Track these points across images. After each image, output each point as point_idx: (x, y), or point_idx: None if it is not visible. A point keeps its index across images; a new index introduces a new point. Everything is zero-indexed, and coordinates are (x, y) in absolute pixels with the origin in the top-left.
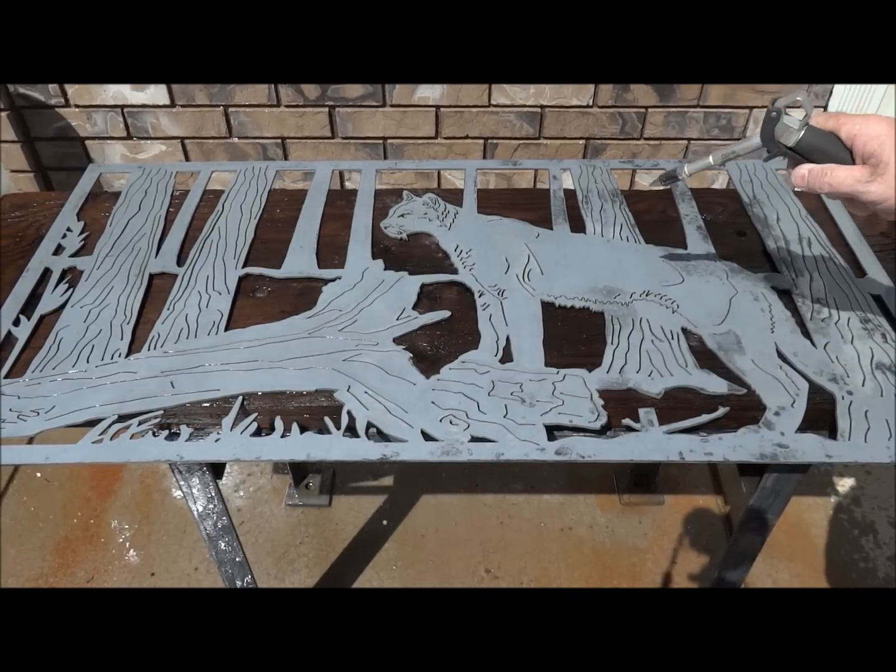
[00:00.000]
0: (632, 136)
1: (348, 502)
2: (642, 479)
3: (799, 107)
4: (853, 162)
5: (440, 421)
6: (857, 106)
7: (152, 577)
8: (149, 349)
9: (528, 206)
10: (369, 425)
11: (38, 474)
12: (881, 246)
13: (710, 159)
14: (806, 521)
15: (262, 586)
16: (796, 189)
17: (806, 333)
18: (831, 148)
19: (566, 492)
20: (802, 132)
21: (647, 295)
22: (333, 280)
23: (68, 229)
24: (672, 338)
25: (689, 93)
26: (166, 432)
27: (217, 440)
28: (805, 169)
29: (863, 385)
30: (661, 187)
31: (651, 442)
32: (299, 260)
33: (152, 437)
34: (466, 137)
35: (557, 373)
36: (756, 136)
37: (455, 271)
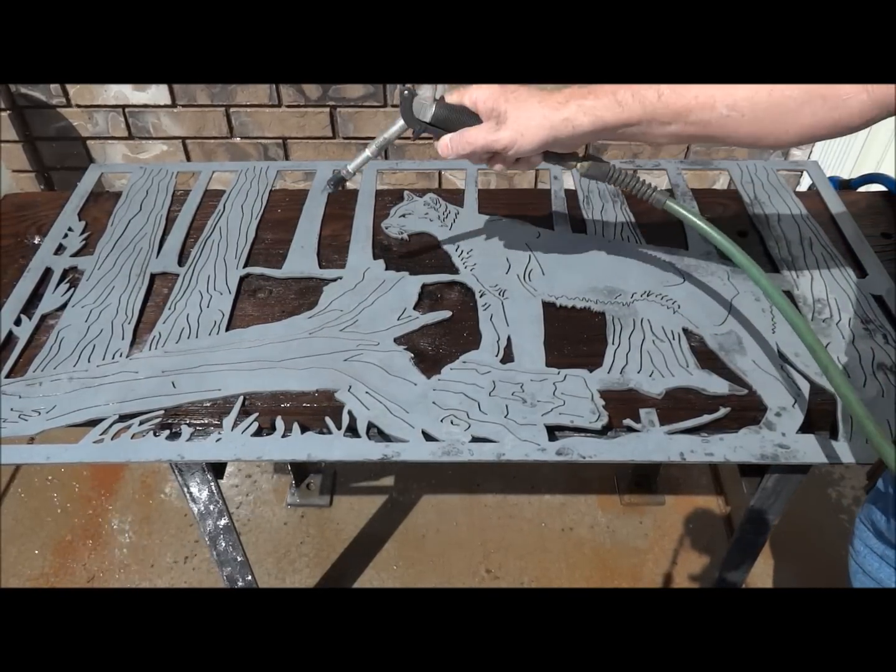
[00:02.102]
0: None
1: (349, 502)
2: (643, 480)
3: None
4: (482, 123)
5: (441, 421)
6: None
7: (153, 577)
8: (150, 349)
9: (529, 206)
10: (370, 425)
11: (49, 476)
12: (882, 246)
13: (367, 152)
14: (806, 521)
15: (262, 586)
16: (446, 158)
17: None
18: (462, 116)
19: (567, 492)
20: (434, 106)
21: (648, 295)
22: (334, 280)
23: (69, 229)
24: (673, 338)
25: None
26: (167, 432)
27: (218, 440)
28: (447, 138)
29: (863, 385)
30: (331, 191)
31: (652, 442)
32: (300, 260)
33: (153, 437)
34: None
35: (558, 373)
36: (398, 119)
37: (456, 271)
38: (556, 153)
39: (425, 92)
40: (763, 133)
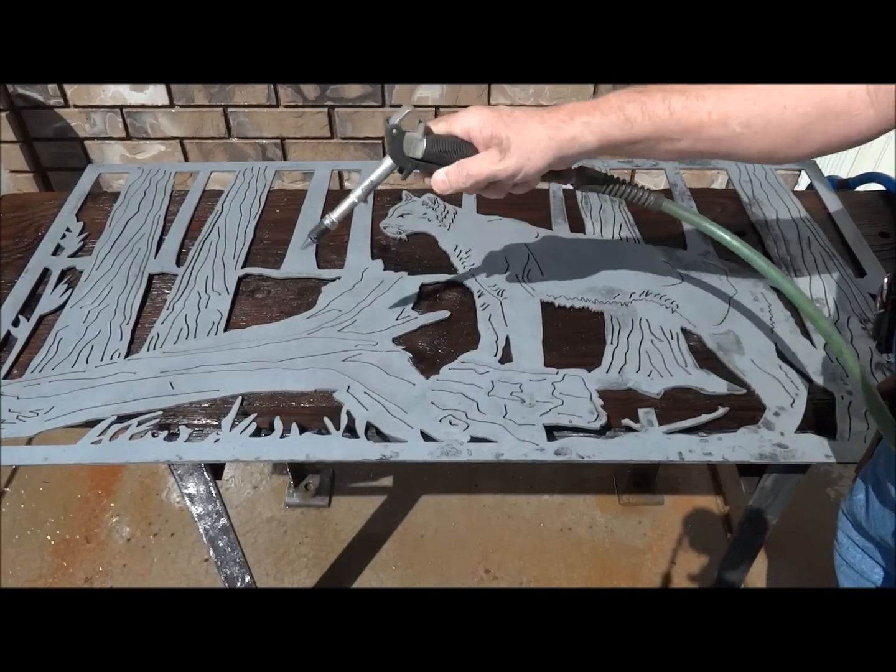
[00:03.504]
0: None
1: (348, 503)
2: (642, 480)
3: (416, 120)
4: (478, 152)
5: (440, 421)
6: None
7: (151, 578)
8: (148, 349)
9: (528, 206)
10: (369, 426)
11: (49, 483)
12: (880, 246)
13: (353, 197)
14: (806, 521)
15: (261, 587)
16: (443, 194)
17: (805, 333)
18: (455, 147)
19: (566, 492)
20: (425, 141)
21: (646, 295)
22: (333, 280)
23: (67, 230)
24: (672, 338)
25: None
26: (165, 433)
27: (216, 441)
28: (442, 173)
29: None
30: (312, 244)
31: (650, 442)
32: (299, 260)
33: (151, 438)
34: None
35: (557, 373)
36: (386, 159)
37: (454, 271)
38: (553, 171)
39: (398, 119)
40: (775, 149)
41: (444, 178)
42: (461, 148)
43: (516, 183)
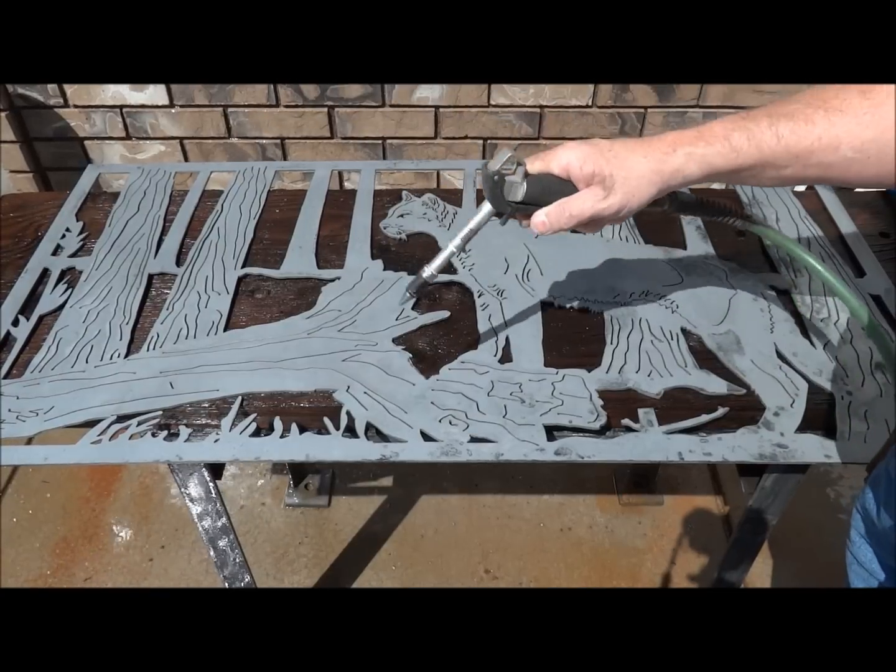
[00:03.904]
0: (631, 137)
1: (348, 503)
2: (642, 480)
3: (513, 164)
4: (577, 190)
5: (439, 421)
6: None
7: (151, 578)
8: (148, 349)
9: None
10: (368, 426)
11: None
12: (880, 246)
13: (452, 247)
14: (806, 521)
15: (261, 586)
16: (543, 234)
17: (805, 333)
18: (554, 185)
19: (565, 492)
20: (525, 184)
21: (646, 295)
22: (333, 280)
23: (67, 230)
24: (671, 338)
25: (688, 93)
26: (165, 433)
27: (216, 441)
28: (542, 215)
29: (862, 385)
30: (411, 298)
31: (650, 442)
32: (298, 260)
33: (151, 438)
34: (466, 137)
35: (557, 373)
36: (484, 206)
37: (454, 271)
38: None
39: (499, 164)
40: (887, 174)
41: (544, 219)
42: (560, 186)
43: (620, 218)
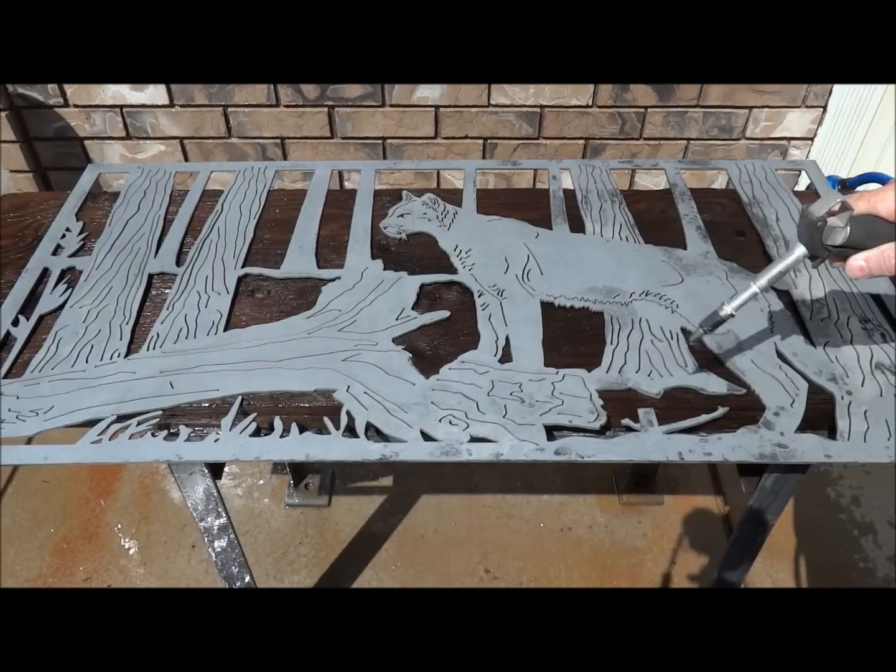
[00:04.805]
0: (631, 136)
1: (348, 502)
2: (642, 479)
3: (839, 209)
4: None
5: (439, 421)
6: (857, 106)
7: (151, 578)
8: (148, 349)
9: (528, 206)
10: (368, 425)
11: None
12: None
13: (755, 287)
14: (806, 521)
15: (261, 586)
16: (858, 278)
17: (805, 333)
18: (879, 229)
19: (565, 492)
20: (848, 228)
21: (646, 295)
22: (333, 280)
23: (67, 229)
24: (672, 338)
25: (688, 93)
26: (165, 432)
27: (216, 440)
28: (860, 259)
29: (862, 385)
30: (705, 334)
31: (650, 442)
32: (298, 260)
33: (151, 438)
34: (466, 137)
35: (557, 373)
36: (796, 247)
37: (454, 271)
38: None
39: (825, 209)
40: None
41: (862, 264)
42: (884, 229)
43: None
